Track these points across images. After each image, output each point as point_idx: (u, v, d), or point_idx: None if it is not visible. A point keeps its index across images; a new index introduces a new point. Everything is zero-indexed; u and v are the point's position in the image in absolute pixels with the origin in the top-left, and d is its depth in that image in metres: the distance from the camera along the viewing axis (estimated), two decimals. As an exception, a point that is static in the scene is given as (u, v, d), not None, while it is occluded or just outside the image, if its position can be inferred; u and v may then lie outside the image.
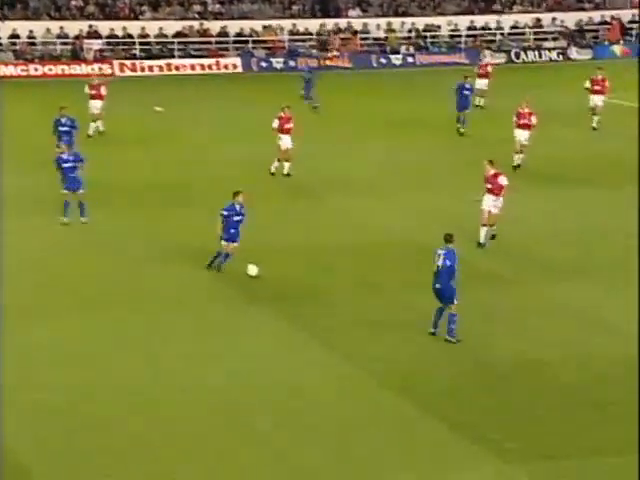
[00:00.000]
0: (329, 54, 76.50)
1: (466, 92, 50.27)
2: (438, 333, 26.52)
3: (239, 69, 75.63)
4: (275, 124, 42.16)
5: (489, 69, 57.12)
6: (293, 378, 24.90)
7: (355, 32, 79.41)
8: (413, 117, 56.61)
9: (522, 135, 40.70)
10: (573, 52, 79.81)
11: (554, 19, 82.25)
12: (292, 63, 76.36)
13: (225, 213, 30.69)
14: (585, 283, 31.14)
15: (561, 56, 79.52)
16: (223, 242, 30.86)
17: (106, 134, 50.26)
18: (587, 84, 50.35)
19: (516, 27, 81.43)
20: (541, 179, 42.09)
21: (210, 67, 75.13)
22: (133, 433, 22.02)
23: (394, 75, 74.19)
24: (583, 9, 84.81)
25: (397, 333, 27.32)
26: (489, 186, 33.08)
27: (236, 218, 30.84)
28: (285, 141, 42.07)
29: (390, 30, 79.67)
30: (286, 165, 42.21)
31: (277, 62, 76.58)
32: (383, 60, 77.89)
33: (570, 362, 25.74)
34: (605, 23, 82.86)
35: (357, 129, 53.70)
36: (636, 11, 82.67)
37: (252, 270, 30.38)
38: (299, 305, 29.45)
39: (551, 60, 78.98)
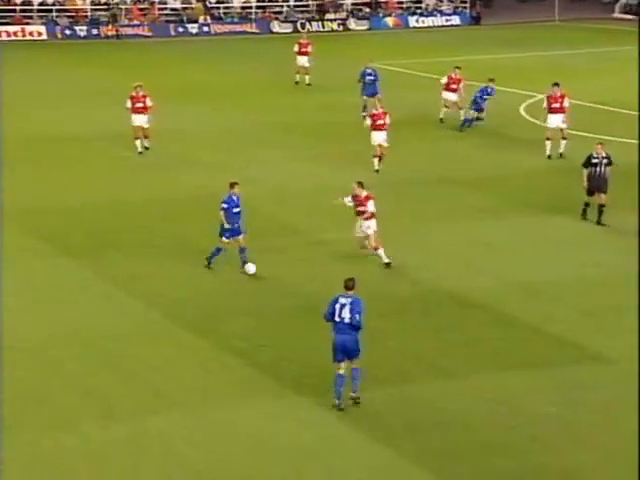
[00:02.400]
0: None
1: (370, 77, 46.57)
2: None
3: (44, 36, 74.03)
4: (128, 104, 39.33)
5: (309, 49, 53.85)
6: (104, 325, 24.59)
7: (152, 2, 78.80)
8: (216, 82, 56.57)
9: (379, 136, 36.70)
10: (352, 23, 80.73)
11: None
12: (95, 31, 75.29)
13: (225, 206, 27.46)
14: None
15: (341, 26, 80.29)
16: (224, 238, 27.51)
17: None
18: (443, 80, 45.17)
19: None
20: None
21: (15, 34, 73.24)
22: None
23: (192, 43, 73.94)
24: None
25: (200, 280, 27.25)
26: (361, 209, 27.98)
27: (235, 210, 27.59)
28: (140, 120, 39.24)
29: (188, 1, 79.40)
30: (145, 141, 39.75)
31: (80, 30, 75.28)
32: (180, 29, 77.47)
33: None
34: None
35: (165, 95, 53.14)
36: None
37: (250, 269, 27.01)
38: (105, 256, 29.14)
39: (333, 30, 79.64)
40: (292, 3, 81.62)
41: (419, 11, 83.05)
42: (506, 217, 32.68)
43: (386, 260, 27.58)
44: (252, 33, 77.45)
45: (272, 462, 18.68)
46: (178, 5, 79.63)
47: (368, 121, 37.13)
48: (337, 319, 19.87)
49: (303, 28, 78.22)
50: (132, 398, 21.08)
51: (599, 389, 21.44)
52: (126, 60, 65.50)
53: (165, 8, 79.43)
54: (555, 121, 39.23)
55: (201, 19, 78.08)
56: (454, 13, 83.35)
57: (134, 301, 26.07)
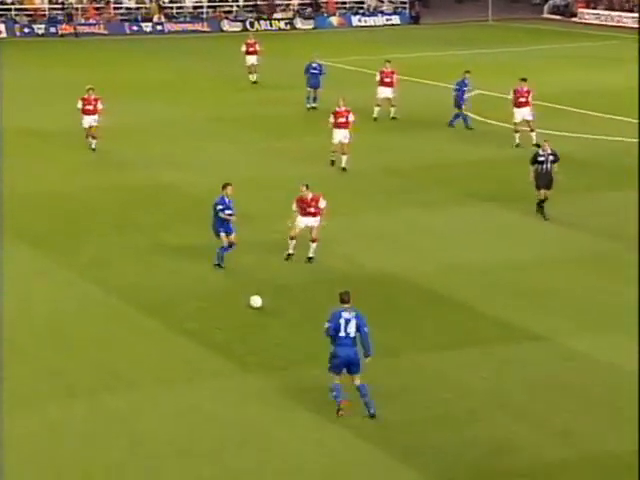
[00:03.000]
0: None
1: (314, 71, 46.49)
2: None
3: (3, 34, 73.34)
4: (79, 105, 38.54)
5: (257, 48, 53.29)
6: (63, 309, 24.56)
7: (108, 2, 78.25)
8: (169, 78, 56.36)
9: (341, 134, 35.70)
10: (298, 22, 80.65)
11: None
12: (53, 29, 74.74)
13: (220, 207, 26.67)
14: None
15: (288, 25, 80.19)
16: (222, 234, 26.84)
17: None
18: (377, 77, 45.08)
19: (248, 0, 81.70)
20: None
21: (-25, 32, 72.64)
22: None
23: (146, 41, 73.53)
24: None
25: (157, 267, 27.22)
26: (311, 210, 27.20)
27: (228, 212, 26.76)
28: (89, 120, 38.45)
29: (142, 2, 79.03)
30: (93, 142, 38.69)
31: (39, 28, 74.65)
32: (135, 28, 76.99)
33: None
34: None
35: (120, 91, 52.89)
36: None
37: (256, 302, 24.05)
38: (61, 244, 29.02)
39: (280, 29, 79.50)
40: (241, 3, 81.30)
41: (361, 11, 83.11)
42: (448, 205, 32.86)
43: (311, 255, 27.16)
44: (203, 32, 77.15)
45: (219, 435, 18.79)
46: (133, 5, 79.11)
47: (331, 119, 35.86)
48: (342, 334, 19.06)
49: (252, 27, 78.07)
50: (90, 377, 21.08)
51: (530, 365, 21.70)
52: (83, 57, 65.07)
53: (120, 7, 78.89)
54: (522, 114, 39.33)
55: (155, 18, 77.61)
56: (394, 13, 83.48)
57: (93, 286, 26.02)
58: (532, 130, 38.71)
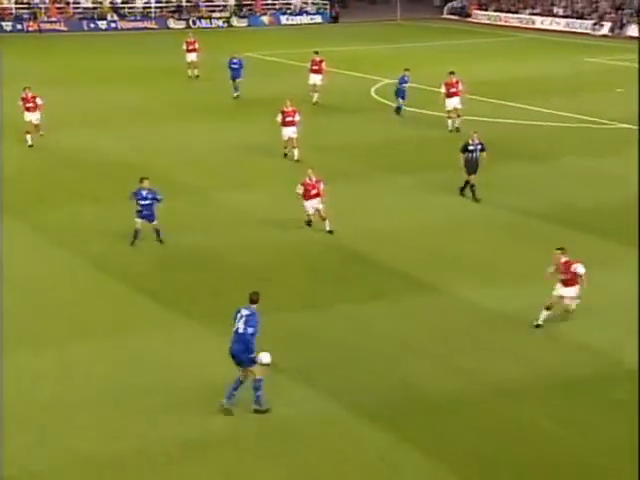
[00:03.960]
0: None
1: (234, 65, 45.77)
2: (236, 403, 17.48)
3: (-27, 31, 72.00)
4: (20, 103, 36.44)
5: (196, 45, 51.80)
6: (33, 270, 24.35)
7: (68, 2, 77.06)
8: (123, 69, 55.66)
9: (289, 130, 34.26)
10: (234, 21, 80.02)
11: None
12: (19, 26, 73.43)
13: (136, 198, 25.79)
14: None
15: (226, 24, 79.54)
16: (139, 219, 25.81)
17: None
18: (307, 65, 45.13)
19: (190, 1, 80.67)
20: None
21: (-53, 28, 70.96)
22: None
23: (101, 37, 72.53)
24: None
25: (116, 233, 26.98)
26: (314, 192, 26.88)
27: (143, 202, 25.69)
28: (31, 117, 36.41)
29: (98, 2, 77.79)
30: (28, 137, 36.58)
31: (7, 25, 73.28)
32: (92, 25, 75.89)
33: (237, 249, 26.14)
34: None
35: (79, 79, 52.25)
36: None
37: (265, 359, 18.00)
38: (34, 212, 28.69)
39: (218, 27, 78.84)
40: (184, 4, 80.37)
41: (289, 11, 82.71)
42: (370, 178, 32.88)
43: (328, 228, 26.81)
44: (152, 29, 76.27)
45: (168, 375, 18.82)
46: (89, 5, 77.95)
47: (279, 117, 34.38)
48: (234, 328, 17.17)
49: (194, 24, 77.37)
50: (56, 329, 20.96)
51: (435, 312, 21.94)
52: (46, 51, 64.10)
53: (78, 7, 77.71)
54: (452, 103, 38.56)
55: (109, 16, 76.55)
56: (317, 13, 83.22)
57: (60, 250, 25.75)
58: (459, 116, 38.39)
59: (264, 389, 17.20)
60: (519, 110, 42.61)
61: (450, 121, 38.69)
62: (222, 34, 74.55)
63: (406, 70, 41.65)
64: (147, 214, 25.87)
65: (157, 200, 25.97)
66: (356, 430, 16.85)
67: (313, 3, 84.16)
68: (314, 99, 44.02)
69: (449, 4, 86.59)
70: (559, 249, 20.78)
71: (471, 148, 30.15)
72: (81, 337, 20.54)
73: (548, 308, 20.70)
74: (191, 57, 51.96)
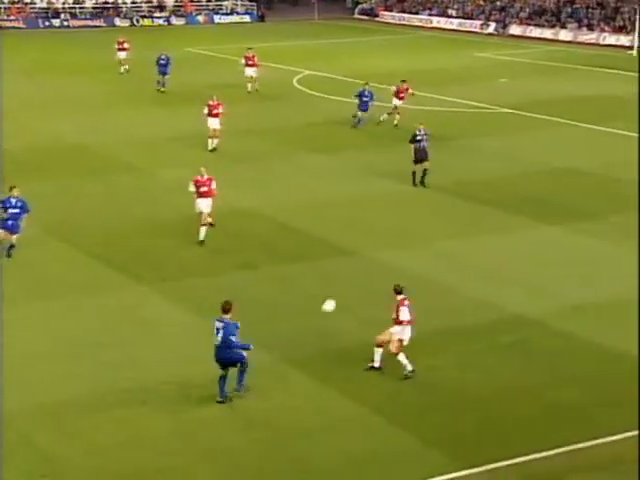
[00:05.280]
0: None
1: (162, 62, 43.85)
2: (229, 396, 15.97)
3: None
4: None
5: (125, 45, 49.94)
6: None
7: (26, 3, 74.85)
8: (72, 62, 54.22)
9: (214, 122, 32.93)
10: (173, 20, 78.54)
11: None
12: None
13: (5, 207, 22.03)
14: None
15: (166, 22, 78.04)
16: (1, 231, 22.13)
17: None
18: (242, 60, 43.87)
19: (135, 2, 78.95)
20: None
21: None
22: None
23: (56, 34, 70.54)
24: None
25: (74, 205, 26.31)
26: (204, 189, 23.45)
27: (11, 211, 21.98)
28: None
29: (50, 2, 75.64)
30: None
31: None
32: (47, 23, 73.74)
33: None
34: (192, 0, 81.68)
35: (34, 70, 50.74)
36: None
37: (329, 305, 17.50)
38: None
39: (160, 25, 77.34)
40: (129, 5, 78.60)
41: (221, 11, 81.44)
42: (285, 156, 32.62)
43: (201, 238, 23.26)
44: (100, 27, 74.34)
45: (122, 330, 18.43)
46: (44, 5, 75.79)
47: (205, 110, 33.05)
48: (214, 341, 15.68)
49: (137, 22, 75.81)
50: (21, 289, 20.44)
51: (350, 272, 21.81)
52: (7, 45, 61.97)
53: (35, 7, 75.49)
54: (397, 103, 36.46)
55: (62, 15, 74.52)
56: (246, 13, 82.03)
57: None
58: (398, 113, 36.40)
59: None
60: (423, 98, 42.55)
61: (390, 116, 36.63)
62: (163, 31, 73.14)
63: (366, 84, 37.46)
64: (13, 224, 21.87)
65: (26, 211, 22.03)
66: (285, 377, 16.67)
67: (242, 4, 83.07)
68: (249, 88, 43.37)
69: (359, 6, 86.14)
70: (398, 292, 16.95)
71: (419, 138, 28.57)
72: (42, 296, 20.05)
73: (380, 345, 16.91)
74: (121, 55, 50.43)
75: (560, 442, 14.49)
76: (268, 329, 18.49)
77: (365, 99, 36.72)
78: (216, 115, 33.33)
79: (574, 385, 16.38)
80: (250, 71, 43.66)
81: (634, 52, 58.12)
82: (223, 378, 15.81)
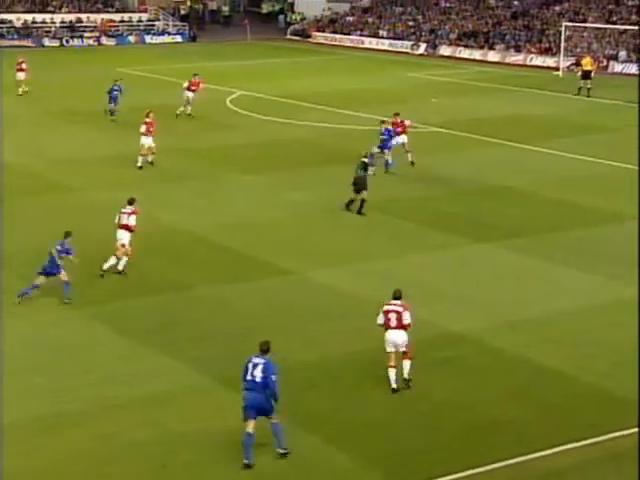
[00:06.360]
0: None
1: (115, 91, 42.13)
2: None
3: None
4: None
5: (24, 66, 48.66)
6: None
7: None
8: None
9: (148, 140, 32.77)
10: (104, 40, 77.87)
11: (88, 18, 79.64)
12: None
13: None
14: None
15: (96, 42, 77.37)
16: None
17: None
18: (185, 84, 42.76)
19: (63, 22, 78.13)
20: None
21: None
22: None
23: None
24: (107, 12, 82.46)
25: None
26: (124, 222, 22.60)
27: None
28: None
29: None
30: None
31: None
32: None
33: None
34: (122, 21, 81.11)
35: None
36: (141, 14, 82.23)
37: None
38: None
39: (89, 45, 76.62)
40: (58, 25, 77.76)
41: (152, 31, 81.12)
42: (218, 176, 32.51)
43: (121, 268, 22.33)
44: (29, 47, 73.26)
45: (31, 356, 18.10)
46: (-28, 25, 74.60)
47: (143, 128, 32.88)
48: (249, 377, 14.52)
49: (67, 43, 74.99)
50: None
51: (286, 292, 21.80)
52: None
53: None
54: (399, 140, 33.45)
55: (-10, 36, 73.28)
56: (178, 33, 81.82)
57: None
58: (407, 151, 33.67)
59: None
60: (356, 117, 42.91)
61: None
62: (92, 52, 72.49)
63: (382, 122, 33.64)
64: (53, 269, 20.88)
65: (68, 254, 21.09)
66: (218, 397, 16.55)
67: (174, 25, 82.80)
68: (180, 110, 42.81)
69: (292, 27, 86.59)
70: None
71: (363, 165, 27.55)
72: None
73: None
74: (20, 76, 49.39)
75: (495, 458, 14.65)
76: (203, 351, 18.35)
77: (383, 137, 32.72)
78: (150, 133, 33.28)
79: (507, 401, 16.59)
80: (190, 94, 42.72)
81: (560, 73, 59.55)
82: (250, 435, 14.22)
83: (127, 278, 22.17)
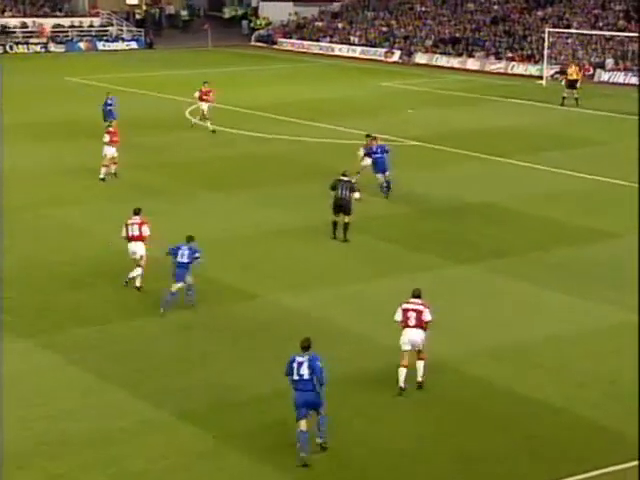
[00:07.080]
0: None
1: (109, 105, 41.70)
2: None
3: None
4: None
5: None
6: None
7: None
8: None
9: (111, 150, 33.15)
10: (52, 46, 77.67)
11: (34, 22, 79.47)
12: None
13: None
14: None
15: (43, 49, 77.15)
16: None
17: None
18: (196, 94, 43.16)
19: (7, 27, 77.91)
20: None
21: None
22: None
23: None
24: (56, 16, 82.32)
25: None
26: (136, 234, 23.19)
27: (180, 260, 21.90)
28: None
29: None
30: None
31: None
32: None
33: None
34: (72, 26, 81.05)
35: None
36: (93, 18, 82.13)
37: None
38: None
39: (36, 52, 76.41)
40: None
41: (105, 37, 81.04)
42: (176, 191, 32.40)
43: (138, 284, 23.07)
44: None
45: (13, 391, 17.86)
46: None
47: (106, 138, 33.35)
48: (295, 377, 15.33)
49: (12, 49, 74.76)
50: None
51: (246, 320, 21.66)
52: None
53: None
54: (368, 161, 31.65)
55: None
56: (132, 39, 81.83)
57: None
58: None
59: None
60: (325, 130, 43.05)
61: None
62: (39, 59, 72.27)
63: (373, 139, 32.48)
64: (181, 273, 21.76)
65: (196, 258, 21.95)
66: (177, 434, 16.42)
67: (128, 30, 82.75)
68: (199, 122, 42.49)
69: (256, 32, 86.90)
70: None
71: (340, 185, 26.82)
72: None
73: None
74: None
75: (478, 494, 14.66)
76: (162, 381, 18.24)
77: (376, 155, 31.35)
78: (114, 142, 33.52)
79: (491, 433, 16.62)
80: (203, 106, 42.71)
81: (543, 82, 60.22)
82: (304, 432, 15.04)
83: (83, 300, 22.08)
